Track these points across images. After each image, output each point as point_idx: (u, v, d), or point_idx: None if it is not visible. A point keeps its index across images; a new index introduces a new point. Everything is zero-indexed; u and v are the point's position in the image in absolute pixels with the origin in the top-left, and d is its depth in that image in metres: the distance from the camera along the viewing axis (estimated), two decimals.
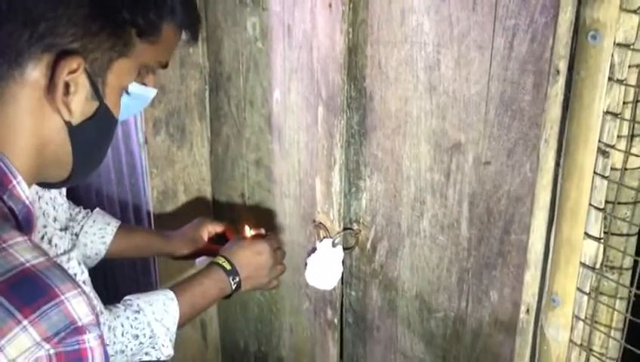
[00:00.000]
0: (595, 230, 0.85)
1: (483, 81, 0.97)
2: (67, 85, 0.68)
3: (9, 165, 0.67)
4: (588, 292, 0.87)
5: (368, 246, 1.29)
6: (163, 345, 1.08)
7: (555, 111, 0.87)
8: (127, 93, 0.78)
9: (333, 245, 1.30)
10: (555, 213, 0.88)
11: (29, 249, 0.61)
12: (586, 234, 0.85)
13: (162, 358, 1.10)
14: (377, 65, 1.14)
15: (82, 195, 1.73)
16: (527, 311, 0.97)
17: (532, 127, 0.92)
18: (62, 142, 0.71)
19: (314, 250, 1.33)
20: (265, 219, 1.48)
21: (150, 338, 1.07)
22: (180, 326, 1.11)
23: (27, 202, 0.69)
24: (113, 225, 1.29)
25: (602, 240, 0.85)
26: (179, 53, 1.51)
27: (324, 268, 1.32)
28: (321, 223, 1.34)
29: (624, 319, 0.86)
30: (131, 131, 1.53)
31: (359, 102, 1.20)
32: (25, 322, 0.57)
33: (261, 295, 1.61)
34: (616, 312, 0.89)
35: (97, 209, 1.31)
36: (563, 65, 0.84)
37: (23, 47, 0.66)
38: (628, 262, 0.88)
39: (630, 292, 0.84)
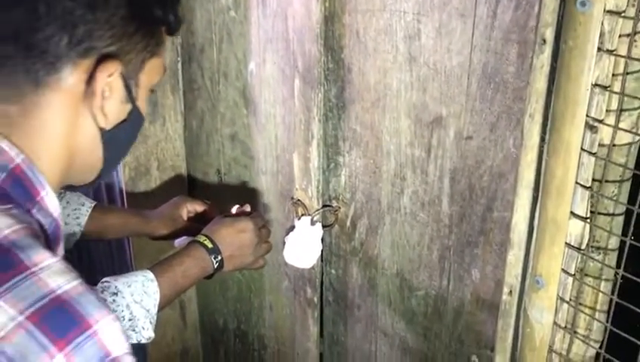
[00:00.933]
0: (582, 209, 0.81)
1: (465, 51, 0.92)
2: (102, 90, 0.67)
3: (38, 175, 0.65)
4: (573, 273, 0.84)
5: (348, 223, 1.25)
6: (143, 328, 1.04)
7: (540, 83, 0.82)
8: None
9: (312, 223, 1.27)
10: (540, 191, 0.85)
11: (60, 272, 0.58)
12: (572, 214, 0.81)
13: (143, 341, 1.06)
14: (355, 35, 1.09)
15: None
16: (510, 292, 0.94)
17: (516, 101, 0.88)
18: (94, 148, 0.70)
19: (292, 228, 1.29)
20: (242, 196, 1.43)
21: (130, 320, 1.03)
22: (161, 307, 1.07)
23: (55, 215, 0.67)
24: (88, 205, 1.25)
25: (589, 220, 0.81)
26: None
27: (303, 247, 1.28)
28: (299, 200, 1.29)
29: (609, 301, 0.83)
30: None
31: (337, 74, 1.15)
32: (58, 356, 0.54)
33: (240, 274, 1.57)
34: (601, 294, 0.86)
35: None
36: (550, 34, 0.79)
37: (61, 51, 0.64)
38: (614, 242, 0.85)
39: (616, 274, 0.80)
